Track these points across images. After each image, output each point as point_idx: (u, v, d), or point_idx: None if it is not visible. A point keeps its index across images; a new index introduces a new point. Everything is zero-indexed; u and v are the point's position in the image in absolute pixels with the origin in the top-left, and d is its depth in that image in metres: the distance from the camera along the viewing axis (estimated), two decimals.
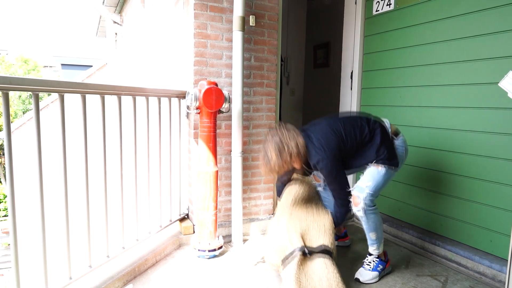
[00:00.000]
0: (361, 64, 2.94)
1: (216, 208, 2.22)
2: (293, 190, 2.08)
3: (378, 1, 2.73)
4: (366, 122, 1.89)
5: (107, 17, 5.84)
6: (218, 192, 2.26)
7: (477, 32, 2.08)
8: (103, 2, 5.41)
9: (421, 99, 2.43)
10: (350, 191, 1.87)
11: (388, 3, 2.65)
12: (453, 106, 2.23)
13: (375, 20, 2.79)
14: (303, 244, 1.81)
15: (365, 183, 1.87)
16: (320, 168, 1.82)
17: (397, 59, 2.60)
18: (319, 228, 1.91)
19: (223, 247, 2.29)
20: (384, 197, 2.76)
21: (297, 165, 1.86)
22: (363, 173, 1.93)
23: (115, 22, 5.95)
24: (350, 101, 3.02)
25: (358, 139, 1.85)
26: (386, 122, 1.97)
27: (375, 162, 1.87)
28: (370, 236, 1.96)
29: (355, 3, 2.93)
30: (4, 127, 1.36)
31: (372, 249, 2.00)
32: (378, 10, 2.74)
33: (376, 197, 1.89)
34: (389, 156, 1.86)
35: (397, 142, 1.93)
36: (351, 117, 1.97)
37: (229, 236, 2.49)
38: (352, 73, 3.00)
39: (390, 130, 1.94)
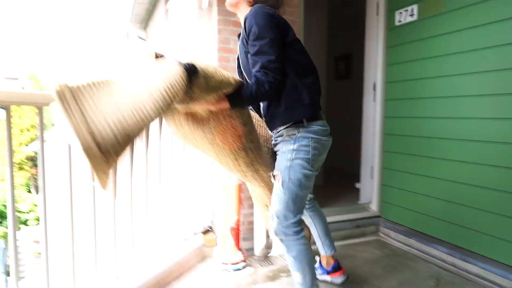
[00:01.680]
0: (385, 75, 2.90)
1: (238, 221, 2.22)
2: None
3: (401, 12, 2.71)
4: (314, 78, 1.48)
5: (133, 34, 6.07)
6: (241, 205, 2.26)
7: (505, 41, 2.01)
8: (130, 19, 5.64)
9: (451, 110, 2.36)
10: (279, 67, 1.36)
11: (411, 14, 2.62)
12: (487, 117, 2.15)
13: (398, 30, 2.76)
14: None
15: (272, 207, 1.44)
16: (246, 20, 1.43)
17: (423, 69, 2.55)
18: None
19: (247, 260, 2.28)
20: (411, 211, 2.68)
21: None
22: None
23: (140, 38, 6.17)
24: (373, 113, 2.98)
25: (299, 68, 1.44)
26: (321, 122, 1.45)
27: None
28: (295, 277, 1.44)
29: (377, 14, 2.92)
30: (38, 140, 1.42)
31: None
32: (401, 21, 2.71)
33: (296, 214, 1.41)
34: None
35: (311, 129, 1.40)
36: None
37: (252, 249, 2.47)
38: (375, 84, 2.97)
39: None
